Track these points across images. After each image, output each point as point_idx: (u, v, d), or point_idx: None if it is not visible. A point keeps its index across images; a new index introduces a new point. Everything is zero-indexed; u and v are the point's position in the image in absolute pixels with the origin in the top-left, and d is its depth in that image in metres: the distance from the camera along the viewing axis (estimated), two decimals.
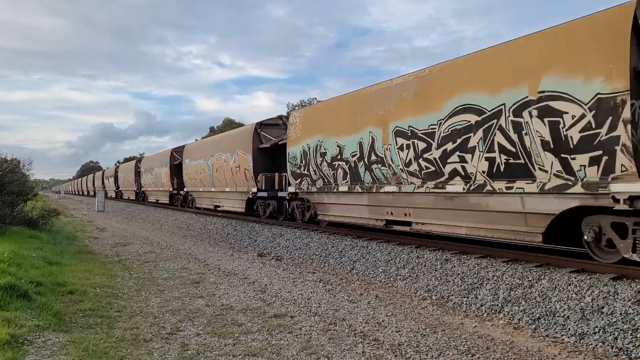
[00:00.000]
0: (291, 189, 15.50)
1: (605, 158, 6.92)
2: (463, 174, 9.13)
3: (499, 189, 8.50)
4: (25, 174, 18.65)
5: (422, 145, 9.97)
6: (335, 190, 13.15)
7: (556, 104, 7.44)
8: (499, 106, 8.32)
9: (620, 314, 5.98)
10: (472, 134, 8.82)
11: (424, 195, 10.27)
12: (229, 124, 65.92)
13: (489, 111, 8.48)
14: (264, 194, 17.61)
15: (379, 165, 11.30)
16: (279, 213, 17.75)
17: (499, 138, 8.34)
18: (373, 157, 11.48)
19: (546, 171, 7.73)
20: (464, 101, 8.96)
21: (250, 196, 18.42)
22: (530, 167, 7.94)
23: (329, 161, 13.16)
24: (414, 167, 10.26)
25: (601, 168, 6.98)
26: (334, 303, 7.78)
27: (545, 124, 7.61)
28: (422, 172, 10.08)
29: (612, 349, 5.53)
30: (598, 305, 6.29)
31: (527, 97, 7.83)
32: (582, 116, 7.11)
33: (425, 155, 9.92)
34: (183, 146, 28.35)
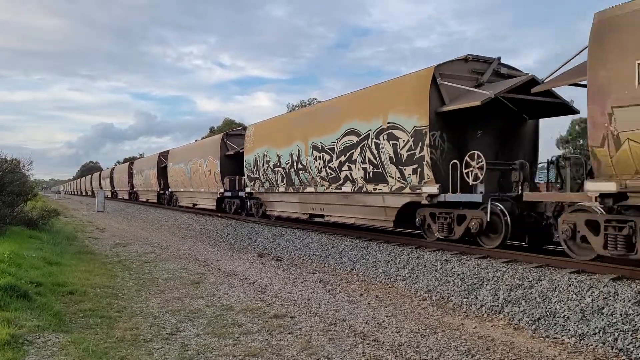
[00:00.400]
0: (247, 190, 18.87)
1: (419, 169, 10.33)
2: (351, 179, 12.59)
3: (370, 190, 11.85)
4: (25, 174, 18.65)
5: (327, 157, 13.40)
6: (276, 191, 16.51)
7: (396, 132, 10.87)
8: (367, 131, 11.76)
9: (621, 314, 5.98)
10: (354, 150, 12.27)
11: (330, 195, 13.66)
12: (229, 125, 65.96)
13: (363, 134, 11.92)
14: (229, 194, 21.12)
15: (303, 172, 14.72)
16: (241, 210, 20.78)
17: (368, 154, 11.76)
18: (299, 165, 14.90)
19: (392, 177, 11.12)
20: (350, 126, 12.44)
21: (219, 196, 21.86)
22: (385, 174, 11.34)
23: (272, 167, 16.50)
24: (323, 173, 13.68)
25: (418, 176, 10.40)
26: (334, 303, 7.78)
27: (390, 145, 11.02)
28: (328, 177, 13.52)
29: (612, 349, 5.53)
30: (598, 305, 6.29)
31: (382, 125, 11.27)
32: (407, 141, 10.53)
33: (329, 165, 13.33)
34: (168, 151, 31.53)
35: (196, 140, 42.63)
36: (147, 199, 36.18)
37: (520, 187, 9.62)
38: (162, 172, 31.26)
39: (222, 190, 21.34)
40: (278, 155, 16.05)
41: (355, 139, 12.20)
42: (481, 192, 9.63)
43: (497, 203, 9.29)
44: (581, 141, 35.75)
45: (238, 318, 6.88)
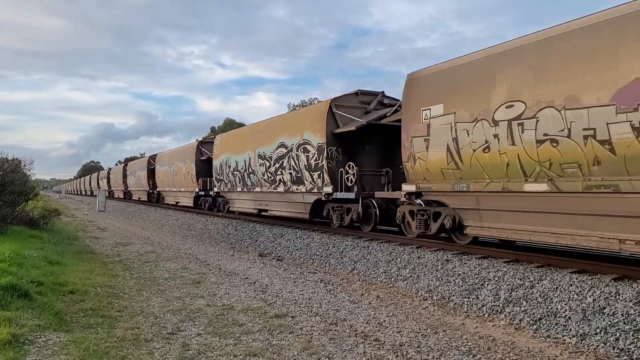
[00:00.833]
0: (215, 190, 22.40)
1: (322, 174, 13.75)
2: (283, 181, 16.01)
3: (295, 189, 15.34)
4: (26, 173, 18.63)
5: (268, 164, 16.92)
6: (236, 190, 20.08)
7: (307, 146, 14.37)
8: (291, 145, 15.29)
9: (622, 314, 5.97)
10: (284, 159, 15.75)
11: (270, 193, 17.16)
12: (230, 125, 66.28)
13: (289, 147, 15.45)
14: (202, 193, 24.81)
15: (253, 175, 18.18)
16: (213, 206, 24.03)
17: (292, 162, 15.23)
18: (250, 170, 18.37)
19: (307, 180, 14.60)
20: (281, 140, 16.03)
21: (195, 194, 25.66)
22: (303, 178, 14.82)
23: (232, 171, 20.09)
24: (265, 176, 17.13)
25: (321, 180, 13.82)
26: (335, 303, 7.78)
27: (304, 156, 14.51)
28: (269, 179, 16.94)
29: (613, 349, 5.52)
30: (599, 306, 6.28)
31: (300, 141, 14.80)
32: (314, 153, 14.01)
33: (269, 170, 16.83)
34: (156, 154, 35.27)
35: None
36: (139, 198, 39.79)
37: (386, 188, 12.91)
38: (151, 173, 34.87)
39: (197, 190, 25.01)
40: (236, 161, 19.67)
41: (284, 150, 15.77)
42: (355, 192, 12.85)
43: (371, 199, 12.71)
44: None
45: (239, 318, 6.88)
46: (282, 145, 15.85)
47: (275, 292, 8.57)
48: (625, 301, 6.18)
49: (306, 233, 14.19)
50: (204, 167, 24.64)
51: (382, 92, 14.38)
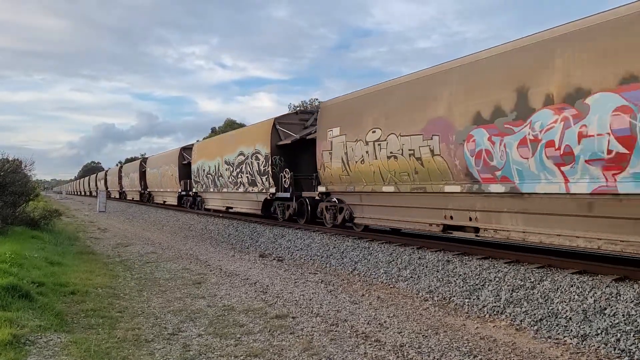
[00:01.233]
0: (194, 190, 26.09)
1: (268, 178, 16.89)
2: (242, 183, 19.39)
3: (251, 190, 18.78)
4: (27, 174, 18.67)
5: (231, 169, 20.33)
6: (209, 191, 23.68)
7: (259, 155, 17.55)
8: (248, 153, 18.59)
9: (623, 315, 5.97)
10: (243, 165, 19.06)
11: (234, 194, 20.72)
12: (231, 125, 66.47)
13: (246, 155, 18.79)
14: (184, 193, 28.20)
15: (221, 178, 21.59)
16: (194, 204, 27.14)
17: (249, 168, 18.50)
18: (219, 173, 21.78)
19: (259, 183, 17.76)
20: (240, 149, 19.45)
21: (178, 194, 29.08)
22: (256, 181, 18.06)
23: (206, 174, 23.62)
24: (230, 179, 20.56)
25: (268, 183, 16.97)
26: (335, 304, 7.78)
27: (256, 163, 17.73)
28: (232, 182, 20.37)
29: (614, 350, 5.52)
30: (600, 306, 6.28)
31: (253, 151, 18.11)
32: (263, 161, 17.16)
33: (232, 174, 20.25)
34: (147, 158, 39.74)
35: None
36: (132, 198, 43.69)
37: (315, 189, 14.91)
38: (143, 175, 38.59)
39: (180, 190, 28.46)
40: (209, 166, 23.12)
41: (243, 157, 19.10)
42: (290, 192, 15.90)
43: (304, 197, 15.63)
44: None
45: (240, 318, 6.88)
46: (242, 153, 19.26)
47: (276, 292, 8.57)
48: (626, 302, 6.18)
49: (307, 234, 14.19)
50: (186, 170, 27.65)
51: (317, 111, 16.01)
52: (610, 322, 5.93)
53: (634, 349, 5.41)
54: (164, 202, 33.10)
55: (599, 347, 5.65)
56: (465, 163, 9.06)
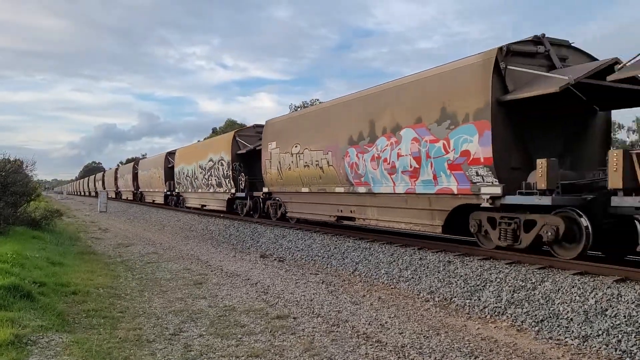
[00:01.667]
0: (177, 190, 29.60)
1: (230, 182, 20.55)
2: (212, 185, 22.88)
3: (219, 191, 22.19)
4: (28, 174, 18.70)
5: (204, 173, 23.80)
6: (188, 191, 27.37)
7: (223, 162, 21.16)
8: (216, 160, 21.99)
9: (624, 316, 5.96)
10: (212, 170, 22.47)
11: (207, 194, 24.20)
12: (231, 125, 66.66)
13: (215, 161, 22.19)
14: (169, 193, 31.45)
15: (197, 180, 25.06)
16: (177, 203, 30.36)
17: (216, 172, 21.95)
18: (195, 176, 25.24)
19: (225, 185, 21.22)
20: (210, 156, 22.91)
21: (164, 194, 32.38)
22: (223, 183, 21.38)
23: (185, 177, 27.23)
24: (203, 182, 24.01)
25: (230, 185, 20.71)
26: (336, 304, 7.78)
27: (222, 169, 21.25)
28: (205, 183, 23.84)
29: (615, 351, 5.52)
30: (602, 307, 6.27)
31: (219, 157, 21.52)
32: (227, 167, 20.68)
33: (204, 177, 23.75)
34: (139, 161, 43.41)
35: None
36: (127, 197, 47.87)
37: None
38: (135, 176, 41.92)
39: (165, 190, 31.62)
40: (187, 170, 26.70)
41: (212, 163, 22.56)
42: (245, 192, 19.28)
43: (257, 197, 18.84)
44: None
45: (241, 319, 6.89)
46: (211, 160, 22.78)
47: (277, 293, 8.57)
48: (628, 303, 6.17)
49: (307, 234, 14.19)
50: (170, 173, 30.85)
51: (263, 126, 18.60)
52: (612, 323, 5.93)
53: (636, 350, 5.41)
54: (153, 200, 36.33)
55: (600, 348, 5.65)
56: (345, 172, 12.71)
